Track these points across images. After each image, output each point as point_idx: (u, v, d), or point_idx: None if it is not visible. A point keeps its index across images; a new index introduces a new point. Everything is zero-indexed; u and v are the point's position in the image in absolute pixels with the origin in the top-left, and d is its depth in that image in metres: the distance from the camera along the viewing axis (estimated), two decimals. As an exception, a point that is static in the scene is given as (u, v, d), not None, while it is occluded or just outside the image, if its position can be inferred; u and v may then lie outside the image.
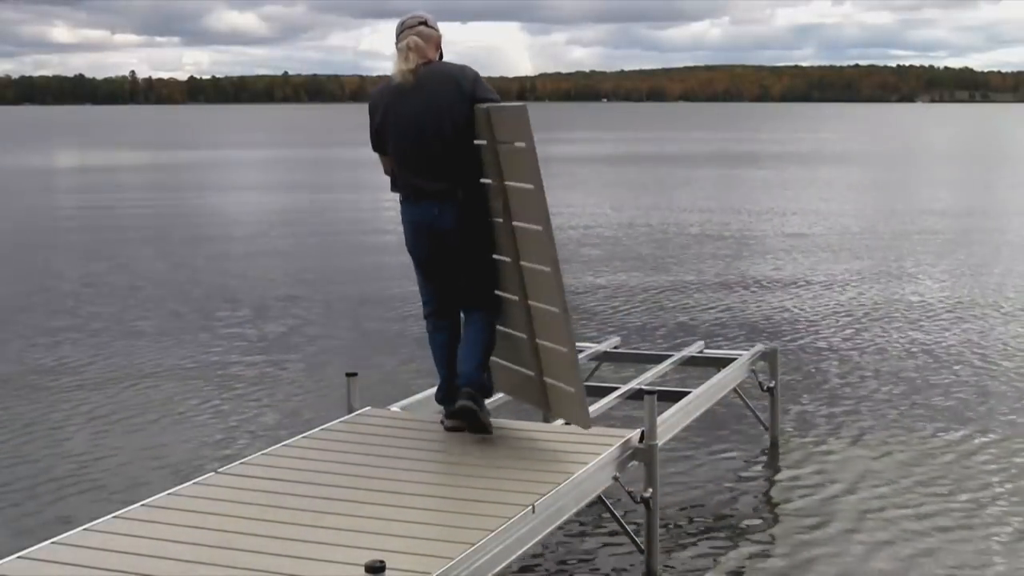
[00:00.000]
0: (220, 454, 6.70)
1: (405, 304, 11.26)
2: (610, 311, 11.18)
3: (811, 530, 5.53)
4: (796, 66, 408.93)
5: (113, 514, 4.19)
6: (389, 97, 5.18)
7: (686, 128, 78.82)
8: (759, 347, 6.90)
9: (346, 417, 5.48)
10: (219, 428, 7.35)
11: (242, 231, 18.99)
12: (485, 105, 4.99)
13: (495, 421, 5.33)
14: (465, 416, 5.10)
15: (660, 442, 5.09)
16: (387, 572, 3.35)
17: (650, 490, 4.92)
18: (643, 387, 5.96)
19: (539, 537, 4.26)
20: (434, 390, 5.75)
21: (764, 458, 6.68)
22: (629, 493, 4.87)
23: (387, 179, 5.40)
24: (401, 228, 5.32)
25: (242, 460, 4.88)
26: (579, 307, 11.11)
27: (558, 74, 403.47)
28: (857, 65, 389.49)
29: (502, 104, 4.96)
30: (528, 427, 5.40)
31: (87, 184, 31.28)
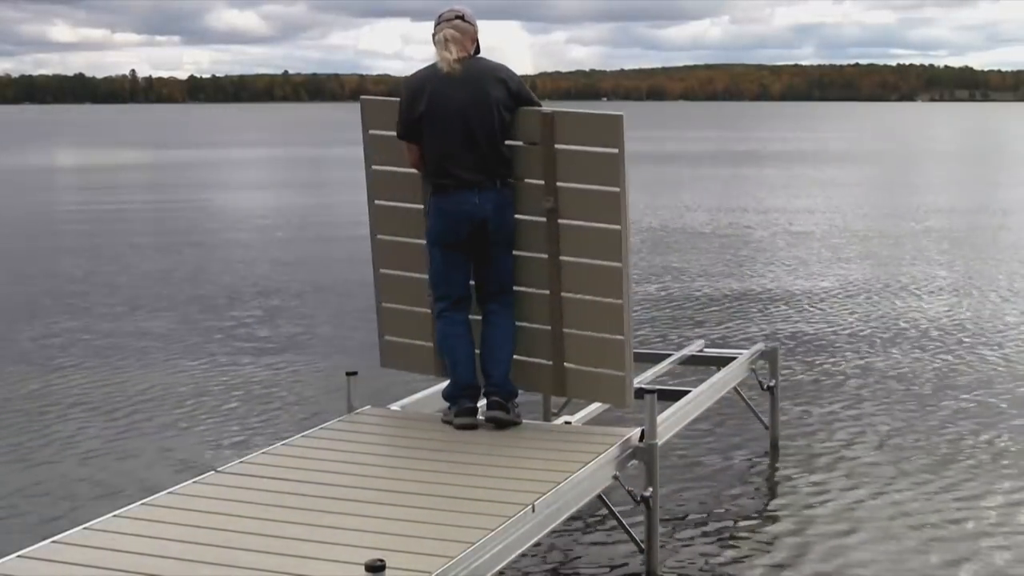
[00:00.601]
0: (220, 453, 6.70)
1: (405, 303, 11.24)
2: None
3: (811, 529, 5.53)
4: (796, 65, 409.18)
5: (113, 513, 4.19)
6: (434, 84, 5.20)
7: (687, 127, 78.78)
8: (759, 346, 6.89)
9: (346, 416, 5.48)
10: (219, 427, 7.35)
11: (241, 230, 18.98)
12: (549, 110, 5.16)
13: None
14: (496, 425, 5.24)
15: (660, 441, 5.09)
16: (387, 571, 3.35)
17: (650, 489, 4.92)
18: (643, 386, 5.95)
19: (539, 536, 4.26)
20: (434, 389, 5.75)
21: (764, 457, 6.68)
22: (629, 492, 4.87)
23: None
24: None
25: (242, 459, 4.88)
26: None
27: (558, 73, 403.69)
28: (857, 64, 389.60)
29: (595, 112, 5.13)
30: (528, 426, 5.40)
31: (87, 183, 31.28)
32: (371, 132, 5.59)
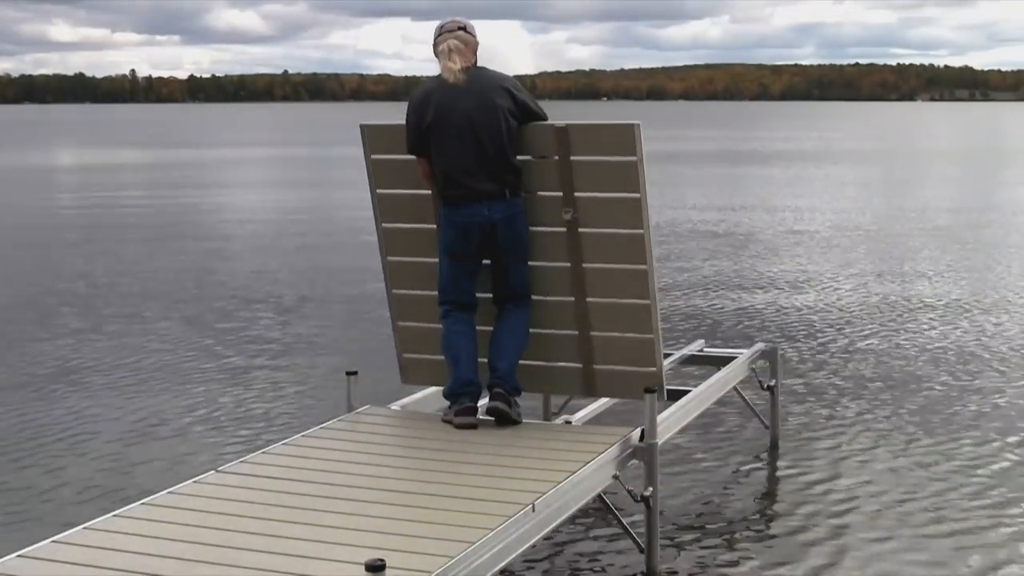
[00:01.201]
0: (220, 453, 6.70)
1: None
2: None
3: (811, 529, 5.53)
4: (796, 64, 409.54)
5: (113, 512, 4.19)
6: (440, 95, 5.23)
7: (687, 126, 78.80)
8: (759, 346, 6.89)
9: (346, 416, 5.48)
10: (219, 426, 7.35)
11: (241, 230, 18.97)
12: (563, 123, 5.21)
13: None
14: (496, 418, 5.25)
15: (660, 441, 5.09)
16: (387, 571, 3.35)
17: (650, 488, 4.92)
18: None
19: (539, 536, 4.26)
20: (434, 389, 5.75)
21: (764, 457, 6.68)
22: (629, 492, 4.87)
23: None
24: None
25: (242, 459, 4.88)
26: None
27: (558, 73, 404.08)
28: (857, 64, 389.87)
29: (611, 123, 5.21)
30: (528, 426, 5.40)
31: (88, 183, 31.27)
32: (373, 157, 5.61)
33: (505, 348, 5.37)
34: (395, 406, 5.75)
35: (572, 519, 5.07)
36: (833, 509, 5.78)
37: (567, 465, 4.64)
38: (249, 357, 9.31)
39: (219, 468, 4.72)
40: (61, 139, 65.70)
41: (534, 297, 5.48)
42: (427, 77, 5.40)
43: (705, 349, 7.21)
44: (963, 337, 9.78)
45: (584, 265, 5.33)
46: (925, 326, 10.28)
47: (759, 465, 6.56)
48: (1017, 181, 28.61)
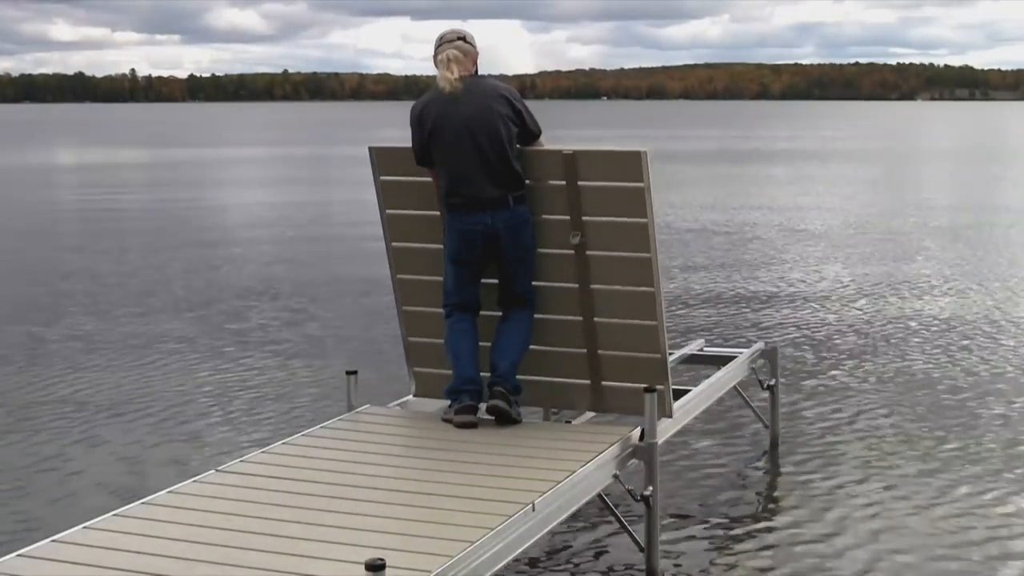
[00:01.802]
0: (220, 452, 6.70)
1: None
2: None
3: (811, 528, 5.53)
4: (796, 64, 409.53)
5: (113, 512, 4.19)
6: (438, 106, 5.26)
7: (688, 126, 78.81)
8: (759, 345, 6.89)
9: (346, 415, 5.49)
10: (219, 426, 7.35)
11: (241, 229, 18.98)
12: (570, 149, 5.23)
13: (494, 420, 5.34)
14: (496, 416, 5.26)
15: (660, 440, 5.10)
16: (387, 570, 3.35)
17: (650, 488, 4.93)
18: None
19: (539, 535, 4.26)
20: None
21: (764, 456, 6.68)
22: (629, 491, 4.88)
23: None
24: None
25: (242, 458, 4.88)
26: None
27: (558, 72, 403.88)
28: (857, 63, 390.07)
29: (618, 150, 5.24)
30: (528, 426, 5.40)
31: (89, 182, 31.26)
32: (382, 179, 5.64)
33: (506, 348, 5.38)
34: (395, 406, 5.75)
35: (572, 519, 5.07)
36: (833, 509, 5.78)
37: (567, 465, 4.64)
38: (249, 357, 9.31)
39: (219, 467, 4.72)
40: (61, 138, 65.69)
41: (542, 316, 5.49)
42: (428, 90, 5.40)
43: (705, 349, 7.21)
44: (965, 337, 9.77)
45: (592, 286, 5.36)
46: (927, 326, 10.28)
47: (759, 465, 6.56)
48: (1021, 180, 28.59)
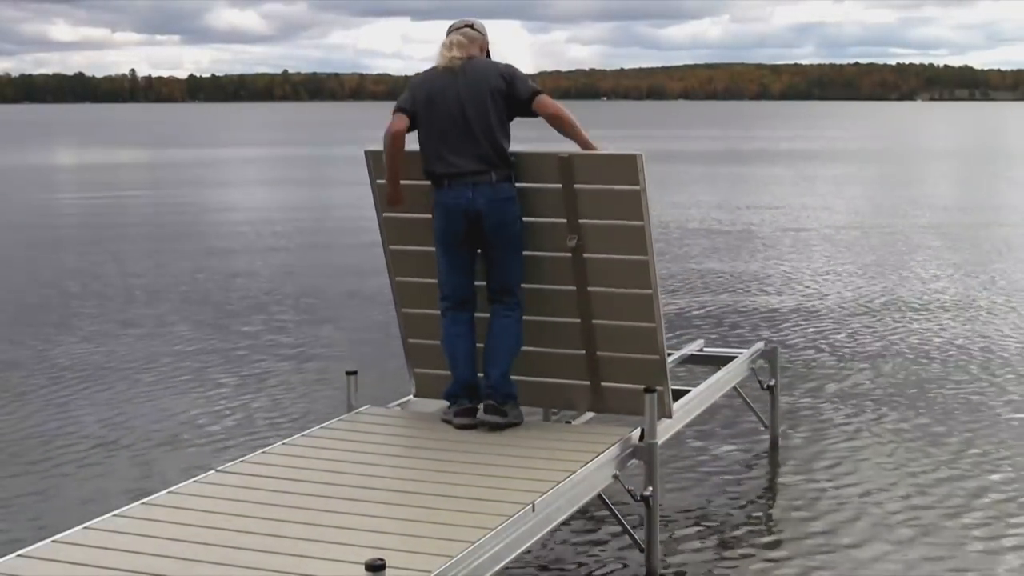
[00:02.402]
0: (220, 452, 6.70)
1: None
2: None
3: (811, 529, 5.53)
4: (796, 64, 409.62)
5: (113, 512, 4.19)
6: (434, 80, 5.26)
7: (688, 126, 78.81)
8: (759, 345, 6.89)
9: (346, 416, 5.49)
10: (218, 426, 7.35)
11: (242, 229, 18.97)
12: (566, 152, 5.19)
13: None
14: (489, 428, 5.21)
15: (660, 440, 5.10)
16: (387, 570, 3.35)
17: (650, 488, 4.93)
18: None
19: (539, 535, 4.26)
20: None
21: (764, 457, 6.68)
22: (629, 491, 4.88)
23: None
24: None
25: (242, 459, 4.89)
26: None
27: (558, 72, 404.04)
28: (857, 63, 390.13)
29: (614, 153, 5.22)
30: (528, 426, 5.40)
31: (89, 182, 31.25)
32: (379, 182, 5.63)
33: (496, 355, 5.33)
34: (395, 406, 5.75)
35: (572, 519, 5.07)
36: (833, 509, 5.78)
37: (567, 465, 4.64)
38: (248, 357, 9.31)
39: (219, 467, 4.73)
40: (61, 139, 65.68)
41: (540, 318, 5.46)
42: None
43: (705, 349, 7.22)
44: (966, 337, 9.77)
45: (589, 289, 5.35)
46: (928, 326, 10.27)
47: (759, 465, 6.56)
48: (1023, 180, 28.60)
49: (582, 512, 5.19)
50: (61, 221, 20.83)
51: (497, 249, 5.29)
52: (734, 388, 6.52)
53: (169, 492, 4.40)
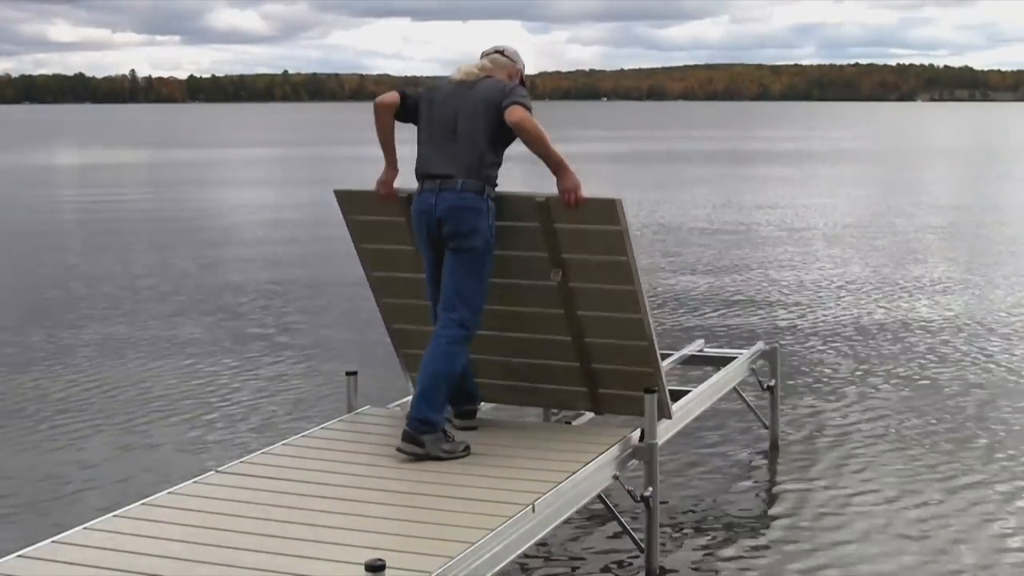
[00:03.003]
0: (220, 453, 6.70)
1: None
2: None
3: (811, 529, 5.53)
4: (796, 65, 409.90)
5: (113, 512, 4.19)
6: (442, 86, 5.17)
7: (690, 126, 78.79)
8: (759, 346, 6.89)
9: (346, 416, 5.49)
10: (219, 427, 7.35)
11: (242, 229, 18.98)
12: (543, 196, 5.01)
13: (494, 420, 5.34)
14: (410, 454, 4.82)
15: (660, 441, 5.09)
16: (387, 571, 3.35)
17: (650, 489, 4.92)
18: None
19: (539, 536, 4.26)
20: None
21: (764, 457, 6.68)
22: (629, 492, 4.87)
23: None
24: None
25: (242, 459, 4.89)
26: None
27: (558, 73, 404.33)
28: (857, 64, 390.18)
29: (592, 197, 4.99)
30: (528, 426, 5.40)
31: (88, 182, 31.26)
32: (350, 218, 5.57)
33: (422, 385, 4.95)
34: (395, 406, 5.75)
35: (572, 520, 5.07)
36: (833, 509, 5.78)
37: (567, 465, 4.64)
38: (249, 357, 9.31)
39: (219, 468, 4.73)
40: (61, 139, 65.67)
41: (531, 335, 5.35)
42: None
43: (705, 349, 7.21)
44: (968, 337, 9.77)
45: (579, 312, 5.22)
46: (929, 326, 10.27)
47: (759, 465, 6.56)
48: None
49: (582, 513, 5.19)
50: (62, 221, 20.83)
51: (450, 259, 5.01)
52: (734, 388, 6.52)
53: (169, 492, 4.40)
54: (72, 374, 8.79)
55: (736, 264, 14.20)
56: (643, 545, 4.98)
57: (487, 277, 5.05)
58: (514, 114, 4.91)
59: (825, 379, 8.39)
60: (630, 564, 5.07)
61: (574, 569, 5.09)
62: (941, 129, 75.56)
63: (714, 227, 18.30)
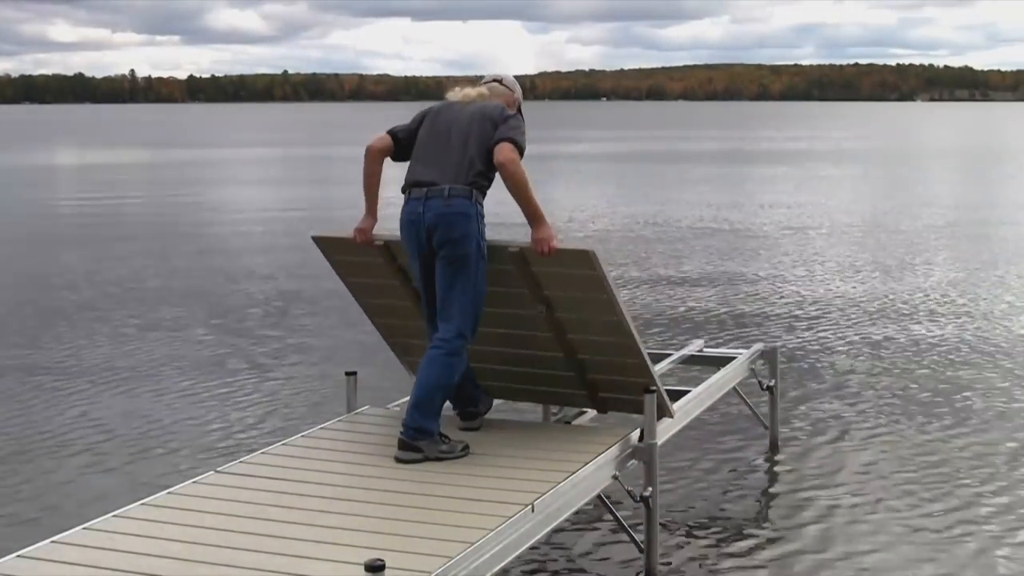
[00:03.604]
0: (219, 453, 6.70)
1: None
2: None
3: (810, 529, 5.53)
4: (796, 65, 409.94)
5: (112, 513, 4.19)
6: (440, 106, 5.19)
7: (690, 126, 78.80)
8: (759, 346, 6.89)
9: (345, 416, 5.49)
10: (218, 427, 7.35)
11: (241, 229, 18.98)
12: (517, 246, 4.93)
13: (494, 420, 5.34)
14: (407, 461, 4.80)
15: (659, 441, 5.09)
16: (386, 571, 3.35)
17: (649, 489, 4.92)
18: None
19: (538, 536, 4.26)
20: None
21: (763, 457, 6.68)
22: (629, 492, 4.87)
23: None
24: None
25: (241, 459, 4.89)
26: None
27: (558, 73, 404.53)
28: (857, 64, 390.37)
29: (566, 248, 4.91)
30: (527, 426, 5.40)
31: (88, 183, 31.26)
32: (332, 258, 5.60)
33: (415, 388, 4.98)
34: (395, 406, 5.75)
35: (572, 519, 5.07)
36: (832, 509, 5.78)
37: (566, 465, 4.64)
38: (248, 357, 9.31)
39: (218, 468, 4.72)
40: (60, 140, 65.67)
41: (524, 351, 5.34)
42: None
43: (705, 349, 7.21)
44: (967, 336, 9.77)
45: (569, 336, 5.19)
46: (930, 326, 10.27)
47: (758, 465, 6.56)
48: None
49: (582, 513, 5.19)
50: (64, 222, 20.83)
51: (442, 268, 4.95)
52: (734, 389, 6.52)
53: (168, 493, 4.40)
54: (66, 373, 8.78)
55: (736, 264, 14.20)
56: (642, 545, 4.98)
57: (482, 283, 5.00)
58: (502, 153, 4.85)
59: (824, 379, 8.39)
60: (629, 564, 5.07)
61: (573, 569, 5.09)
62: (941, 129, 75.57)
63: (714, 227, 18.30)
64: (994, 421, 7.30)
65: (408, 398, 5.80)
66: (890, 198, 23.56)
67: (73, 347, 9.75)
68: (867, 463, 6.49)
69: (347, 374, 5.60)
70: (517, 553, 4.09)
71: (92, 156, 46.34)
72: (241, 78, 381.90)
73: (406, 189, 5.04)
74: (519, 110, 5.22)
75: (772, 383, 6.77)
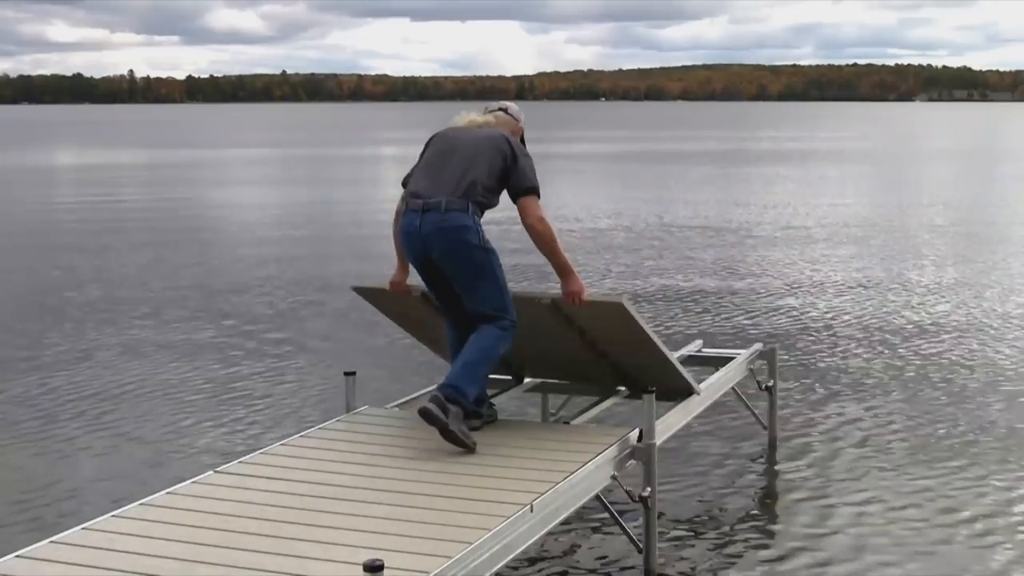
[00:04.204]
0: (218, 453, 6.70)
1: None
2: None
3: (809, 529, 5.53)
4: (794, 65, 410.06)
5: (111, 513, 4.19)
6: (446, 132, 5.29)
7: (689, 126, 78.79)
8: (758, 346, 6.90)
9: (344, 416, 5.49)
10: (217, 427, 7.35)
11: (241, 229, 18.98)
12: (549, 297, 5.25)
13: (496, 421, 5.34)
14: (428, 420, 4.83)
15: (658, 441, 5.10)
16: (386, 571, 3.35)
17: (648, 489, 4.93)
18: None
19: (537, 536, 4.26)
20: (432, 389, 5.74)
21: (762, 457, 6.69)
22: (627, 492, 4.88)
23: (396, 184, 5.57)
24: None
25: (240, 459, 4.88)
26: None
27: (556, 73, 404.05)
28: (855, 64, 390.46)
29: (598, 300, 5.21)
30: (526, 426, 5.40)
31: (88, 183, 31.25)
32: (376, 303, 6.06)
33: (464, 357, 5.06)
34: (394, 406, 5.76)
35: (570, 520, 5.07)
36: (831, 510, 5.78)
37: (565, 465, 4.64)
38: (247, 357, 9.31)
39: (218, 468, 4.72)
40: (60, 139, 65.64)
41: (569, 358, 5.68)
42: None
43: (703, 350, 7.21)
44: (968, 337, 9.77)
45: (611, 359, 5.62)
46: (930, 327, 10.27)
47: (757, 465, 6.56)
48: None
49: (581, 513, 5.19)
50: (65, 222, 20.82)
51: (459, 280, 5.06)
52: (733, 389, 6.52)
53: (168, 493, 4.40)
54: (68, 374, 8.79)
55: (735, 264, 14.20)
56: (641, 545, 4.98)
57: (501, 275, 5.11)
58: (528, 215, 5.02)
59: (823, 379, 8.40)
60: (628, 565, 5.07)
61: (572, 569, 5.09)
62: (940, 129, 75.58)
63: (713, 227, 18.30)
64: (994, 421, 7.30)
65: (409, 397, 5.87)
66: (890, 198, 23.56)
67: (73, 347, 9.74)
68: (865, 463, 6.49)
69: (346, 374, 5.61)
70: (516, 553, 4.09)
71: (92, 156, 46.32)
72: (240, 78, 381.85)
73: (405, 200, 5.15)
74: (521, 138, 5.39)
75: (771, 383, 6.77)
